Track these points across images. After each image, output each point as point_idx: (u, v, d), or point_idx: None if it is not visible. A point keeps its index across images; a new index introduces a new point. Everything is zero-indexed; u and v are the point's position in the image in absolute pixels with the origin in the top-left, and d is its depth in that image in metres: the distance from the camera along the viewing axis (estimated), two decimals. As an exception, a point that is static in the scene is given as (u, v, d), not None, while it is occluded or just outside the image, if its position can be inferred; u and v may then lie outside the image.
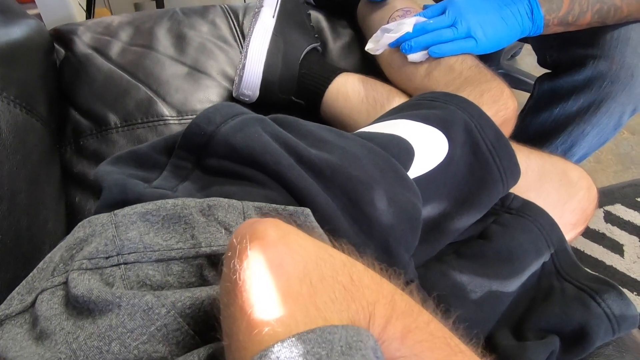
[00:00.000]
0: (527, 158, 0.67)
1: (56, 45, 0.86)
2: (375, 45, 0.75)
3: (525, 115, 0.90)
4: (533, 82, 0.91)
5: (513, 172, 0.61)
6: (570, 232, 0.66)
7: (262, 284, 0.28)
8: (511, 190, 0.64)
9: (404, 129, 0.58)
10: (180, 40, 0.89)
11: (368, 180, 0.48)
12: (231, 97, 0.83)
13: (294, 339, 0.25)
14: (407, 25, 0.71)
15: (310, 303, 0.28)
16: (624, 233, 1.35)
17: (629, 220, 1.37)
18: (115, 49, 0.85)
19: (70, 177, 0.72)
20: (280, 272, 0.28)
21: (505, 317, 0.59)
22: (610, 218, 1.38)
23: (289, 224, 0.41)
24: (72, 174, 0.72)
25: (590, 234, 1.34)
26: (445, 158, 0.58)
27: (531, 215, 0.62)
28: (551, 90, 0.85)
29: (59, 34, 0.87)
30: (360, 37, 0.92)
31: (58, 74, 0.82)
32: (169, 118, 0.78)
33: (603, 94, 0.78)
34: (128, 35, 0.88)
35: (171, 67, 0.84)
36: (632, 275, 1.26)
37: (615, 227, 1.36)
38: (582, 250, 1.31)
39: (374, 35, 0.76)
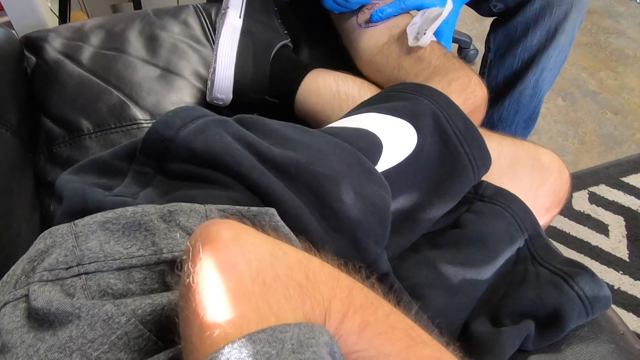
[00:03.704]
0: (499, 145, 0.67)
1: (26, 53, 0.85)
2: (423, 42, 0.72)
3: (490, 68, 0.95)
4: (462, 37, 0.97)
5: (483, 159, 0.61)
6: (545, 216, 0.66)
7: (214, 286, 0.28)
8: (484, 178, 0.64)
9: (372, 122, 0.58)
10: (152, 42, 0.88)
11: (334, 176, 0.48)
12: (205, 97, 0.83)
13: (244, 339, 0.26)
14: (444, 9, 0.70)
15: (263, 302, 0.28)
16: (608, 213, 1.36)
17: (613, 200, 1.38)
18: (86, 53, 0.84)
19: (44, 185, 0.72)
20: (232, 273, 0.28)
21: (482, 304, 0.59)
22: (594, 199, 1.38)
23: (251, 224, 0.41)
24: (46, 182, 0.72)
25: (575, 215, 1.35)
26: (414, 149, 0.58)
27: (503, 202, 0.62)
28: (506, 36, 0.90)
29: (29, 41, 0.87)
30: (334, 31, 0.92)
31: (29, 82, 0.82)
32: (143, 121, 0.78)
33: (556, 18, 0.84)
34: (99, 39, 0.87)
35: (143, 70, 0.83)
36: (618, 255, 1.28)
37: (600, 208, 1.37)
38: (567, 232, 1.32)
39: (410, 35, 0.72)
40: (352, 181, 0.50)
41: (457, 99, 0.63)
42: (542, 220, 0.65)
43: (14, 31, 0.93)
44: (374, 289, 0.34)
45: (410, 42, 0.71)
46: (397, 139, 0.57)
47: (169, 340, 0.34)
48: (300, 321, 0.28)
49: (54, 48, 0.85)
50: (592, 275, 0.57)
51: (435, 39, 0.75)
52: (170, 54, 0.87)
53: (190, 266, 0.29)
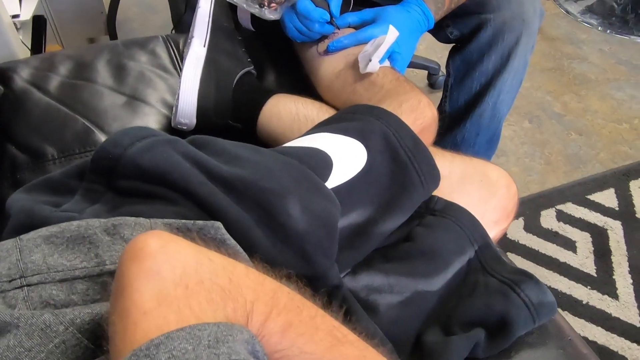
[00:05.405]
0: (450, 162, 0.70)
1: (-5, 84, 0.87)
2: (371, 68, 0.76)
3: (451, 92, 1.02)
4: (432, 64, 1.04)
5: (432, 175, 0.64)
6: (494, 228, 0.69)
7: (139, 292, 0.30)
8: (436, 193, 0.67)
9: (323, 141, 0.61)
10: (119, 71, 0.91)
11: (281, 191, 0.50)
12: (170, 123, 0.85)
13: (162, 337, 0.27)
14: (387, 37, 0.75)
15: (184, 305, 0.29)
16: (575, 230, 1.39)
17: (580, 218, 1.42)
18: (53, 83, 0.87)
19: (7, 211, 0.73)
20: (156, 279, 0.30)
21: (435, 315, 0.61)
22: (562, 216, 1.42)
23: (197, 237, 0.43)
24: (9, 208, 0.73)
25: (543, 233, 1.38)
26: (364, 166, 0.60)
27: (453, 215, 0.65)
28: (463, 61, 0.97)
29: (-1, 72, 0.89)
30: (296, 59, 0.96)
31: (-4, 112, 0.83)
32: (107, 147, 0.79)
33: (508, 44, 0.91)
34: (67, 69, 0.90)
35: (110, 98, 0.86)
36: (585, 270, 1.30)
37: (567, 225, 1.41)
38: (536, 249, 1.35)
39: (361, 62, 0.77)
40: (300, 196, 0.52)
41: (407, 119, 0.66)
42: (492, 233, 0.68)
43: (-16, 63, 0.95)
44: (303, 293, 0.36)
45: (361, 68, 0.75)
46: (347, 157, 0.60)
47: (106, 348, 0.35)
48: (221, 321, 0.29)
49: (22, 78, 0.87)
50: (537, 282, 0.59)
51: (389, 64, 0.79)
52: (137, 82, 0.90)
53: (117, 275, 0.31)
